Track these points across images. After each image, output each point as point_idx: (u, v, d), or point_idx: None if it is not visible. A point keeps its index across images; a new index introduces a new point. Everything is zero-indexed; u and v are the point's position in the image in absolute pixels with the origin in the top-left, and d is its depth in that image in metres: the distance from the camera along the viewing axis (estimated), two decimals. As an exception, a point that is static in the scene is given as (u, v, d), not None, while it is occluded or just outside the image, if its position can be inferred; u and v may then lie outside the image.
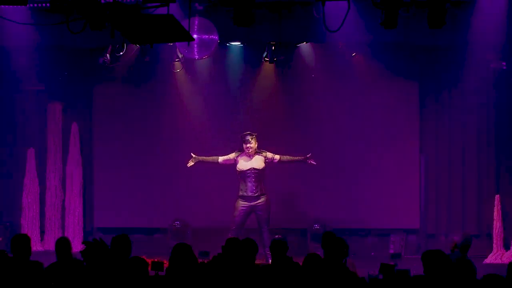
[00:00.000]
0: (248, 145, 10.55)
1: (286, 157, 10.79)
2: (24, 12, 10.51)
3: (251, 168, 10.59)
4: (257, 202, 10.58)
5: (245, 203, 10.60)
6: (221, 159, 10.78)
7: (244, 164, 10.64)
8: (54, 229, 12.55)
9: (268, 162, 10.68)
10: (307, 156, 10.73)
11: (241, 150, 10.69)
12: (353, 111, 12.27)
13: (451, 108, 12.24)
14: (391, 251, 11.82)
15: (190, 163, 10.84)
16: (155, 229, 12.50)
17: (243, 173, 10.62)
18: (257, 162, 10.62)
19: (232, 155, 10.73)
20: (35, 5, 10.56)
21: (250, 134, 10.60)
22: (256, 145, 10.63)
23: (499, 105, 12.02)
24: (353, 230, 12.04)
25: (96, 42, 11.21)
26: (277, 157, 10.72)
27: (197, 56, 11.03)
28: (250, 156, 10.62)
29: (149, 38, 7.82)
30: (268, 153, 10.68)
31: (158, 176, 12.46)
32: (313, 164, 10.78)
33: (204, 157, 10.86)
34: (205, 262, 6.59)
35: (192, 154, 10.84)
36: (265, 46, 11.79)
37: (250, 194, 10.58)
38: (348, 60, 11.92)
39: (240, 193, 10.65)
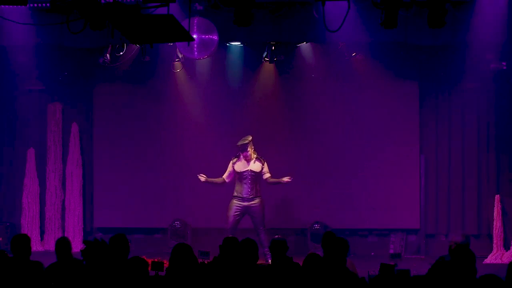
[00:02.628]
0: (245, 153, 10.58)
1: (273, 179, 10.77)
2: (24, 12, 10.51)
3: (248, 170, 10.62)
4: (250, 203, 10.62)
5: (240, 203, 10.64)
6: (225, 176, 10.78)
7: (242, 166, 10.66)
8: (54, 229, 12.55)
9: (262, 170, 10.68)
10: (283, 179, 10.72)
11: (237, 156, 10.71)
12: (353, 111, 12.27)
13: (451, 108, 12.24)
14: (391, 251, 11.82)
15: (202, 179, 10.80)
16: (155, 229, 12.51)
17: (240, 174, 10.64)
18: (256, 165, 10.65)
19: (230, 166, 10.75)
20: (35, 5, 10.55)
21: (245, 144, 10.57)
22: (253, 149, 10.64)
23: (499, 105, 12.03)
24: (353, 230, 12.05)
25: (96, 42, 11.20)
26: (267, 175, 10.72)
27: (197, 56, 11.03)
28: (249, 161, 10.64)
29: (149, 38, 7.82)
30: (266, 164, 10.72)
31: (158, 176, 12.46)
32: (288, 181, 10.72)
33: (213, 179, 10.81)
34: (205, 262, 6.61)
35: (200, 176, 10.75)
36: (265, 46, 11.80)
37: (245, 196, 10.61)
38: (348, 60, 11.92)
39: (235, 194, 10.69)
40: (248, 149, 10.59)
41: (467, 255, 5.72)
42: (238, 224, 10.70)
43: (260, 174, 10.70)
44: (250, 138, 10.68)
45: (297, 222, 12.22)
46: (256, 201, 10.66)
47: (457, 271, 5.28)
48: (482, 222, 12.10)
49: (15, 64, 12.09)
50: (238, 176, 10.69)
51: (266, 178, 10.77)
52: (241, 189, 10.64)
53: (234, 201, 10.69)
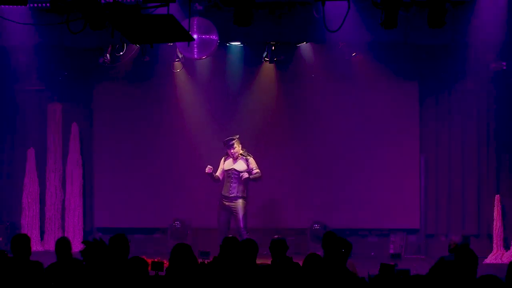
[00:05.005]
0: (232, 150, 10.52)
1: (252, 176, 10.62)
2: (24, 12, 10.52)
3: (232, 169, 10.55)
4: (232, 203, 10.53)
5: (224, 202, 10.59)
6: (218, 173, 10.64)
7: (228, 164, 10.62)
8: (54, 229, 12.55)
9: (248, 166, 10.53)
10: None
11: (227, 154, 10.65)
12: (353, 111, 12.27)
13: (451, 108, 12.24)
14: (391, 251, 11.82)
15: (208, 170, 10.65)
16: (155, 229, 12.51)
17: (226, 173, 10.61)
18: (240, 164, 10.57)
19: (221, 163, 10.68)
20: (35, 5, 10.56)
21: (231, 139, 10.54)
22: (240, 147, 10.57)
23: (499, 105, 12.02)
24: (353, 230, 12.03)
25: (96, 42, 11.22)
26: (256, 171, 10.52)
27: (197, 56, 11.04)
28: (235, 159, 10.58)
29: (149, 38, 7.82)
30: (251, 159, 10.57)
31: (158, 176, 12.46)
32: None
33: (214, 174, 10.64)
34: (205, 262, 6.60)
35: (208, 167, 10.55)
36: (265, 46, 11.79)
37: (227, 194, 10.56)
38: (348, 60, 11.92)
39: (222, 192, 10.64)
40: (235, 146, 10.51)
41: (471, 256, 5.72)
42: (229, 224, 10.64)
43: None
44: (237, 136, 10.61)
45: (297, 222, 12.21)
46: (239, 201, 10.52)
47: (457, 271, 5.28)
48: (482, 222, 12.09)
49: (15, 64, 12.09)
50: (225, 175, 10.64)
51: (252, 173, 10.51)
52: (226, 188, 10.59)
53: (221, 200, 10.65)
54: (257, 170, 10.57)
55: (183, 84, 12.46)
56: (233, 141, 10.51)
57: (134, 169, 12.44)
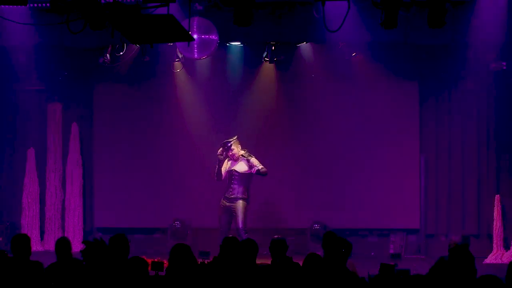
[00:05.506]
0: (230, 152, 10.48)
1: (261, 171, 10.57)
2: (24, 12, 10.52)
3: (233, 170, 10.53)
4: (232, 204, 10.51)
5: (224, 202, 10.56)
6: (223, 172, 10.60)
7: (229, 165, 10.59)
8: (54, 229, 12.55)
9: (250, 167, 10.46)
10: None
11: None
12: (353, 111, 12.27)
13: (451, 108, 12.25)
14: (391, 251, 11.82)
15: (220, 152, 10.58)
16: (155, 229, 12.51)
17: (228, 173, 10.58)
18: (241, 165, 10.54)
19: (225, 163, 10.61)
20: (35, 5, 10.57)
21: (228, 142, 10.48)
22: (239, 148, 10.53)
23: (499, 105, 12.02)
24: (353, 230, 12.03)
25: (96, 42, 11.22)
26: (261, 166, 10.41)
27: (197, 56, 11.04)
28: (236, 160, 10.55)
29: (149, 38, 7.83)
30: (253, 158, 10.51)
31: (158, 176, 12.46)
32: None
33: (221, 167, 10.65)
34: (205, 262, 6.61)
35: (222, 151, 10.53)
36: (265, 46, 11.80)
37: (227, 195, 10.54)
38: (348, 60, 11.92)
39: (224, 193, 10.64)
40: (233, 148, 10.48)
41: (465, 256, 5.71)
42: (230, 224, 10.60)
43: (246, 175, 10.51)
44: (235, 137, 10.57)
45: (297, 222, 12.21)
46: (239, 202, 10.47)
47: (456, 271, 5.28)
48: (482, 222, 12.10)
49: (15, 64, 12.09)
50: (227, 175, 10.63)
51: (258, 170, 10.45)
52: (227, 188, 10.58)
53: (222, 200, 10.63)
54: (262, 166, 10.54)
55: (183, 84, 12.46)
56: (231, 143, 10.48)
57: (134, 169, 12.44)
